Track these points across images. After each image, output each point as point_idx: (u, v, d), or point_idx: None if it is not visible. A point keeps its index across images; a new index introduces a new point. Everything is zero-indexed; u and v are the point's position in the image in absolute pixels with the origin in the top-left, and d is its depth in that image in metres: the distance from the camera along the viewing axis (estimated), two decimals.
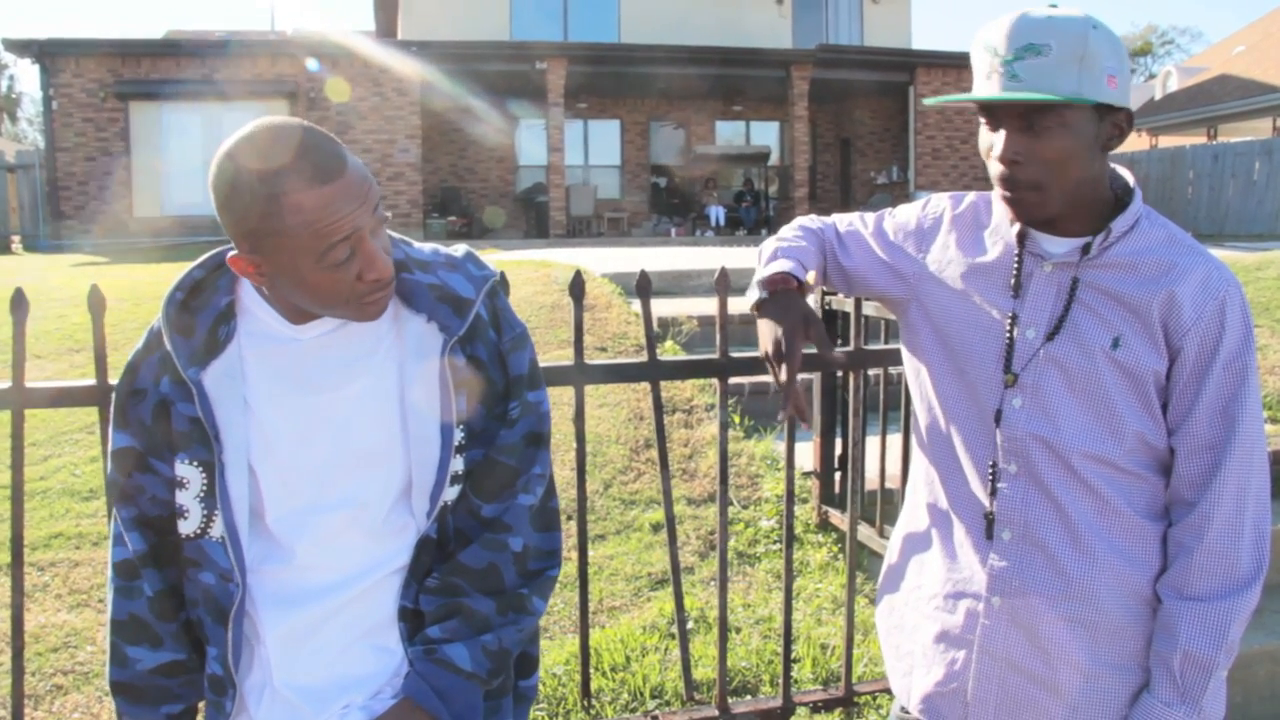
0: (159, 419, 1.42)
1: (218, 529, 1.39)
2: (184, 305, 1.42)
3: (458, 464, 1.44)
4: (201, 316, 1.41)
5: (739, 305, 2.21)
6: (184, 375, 1.37)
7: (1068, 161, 1.41)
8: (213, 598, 1.42)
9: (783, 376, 1.49)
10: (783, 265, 1.60)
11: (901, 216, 1.70)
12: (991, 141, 1.45)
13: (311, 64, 16.72)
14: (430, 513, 1.42)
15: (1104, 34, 1.38)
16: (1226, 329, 1.41)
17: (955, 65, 19.90)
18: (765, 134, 22.36)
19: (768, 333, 1.54)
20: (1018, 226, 1.52)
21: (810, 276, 1.60)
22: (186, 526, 1.41)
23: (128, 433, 1.44)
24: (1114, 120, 1.43)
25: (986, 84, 1.41)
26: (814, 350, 1.57)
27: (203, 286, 1.44)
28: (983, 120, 1.46)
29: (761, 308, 1.58)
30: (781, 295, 1.56)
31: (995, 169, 1.45)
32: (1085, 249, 1.46)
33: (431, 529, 1.43)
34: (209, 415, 1.37)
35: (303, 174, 1.25)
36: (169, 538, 1.45)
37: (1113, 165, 1.54)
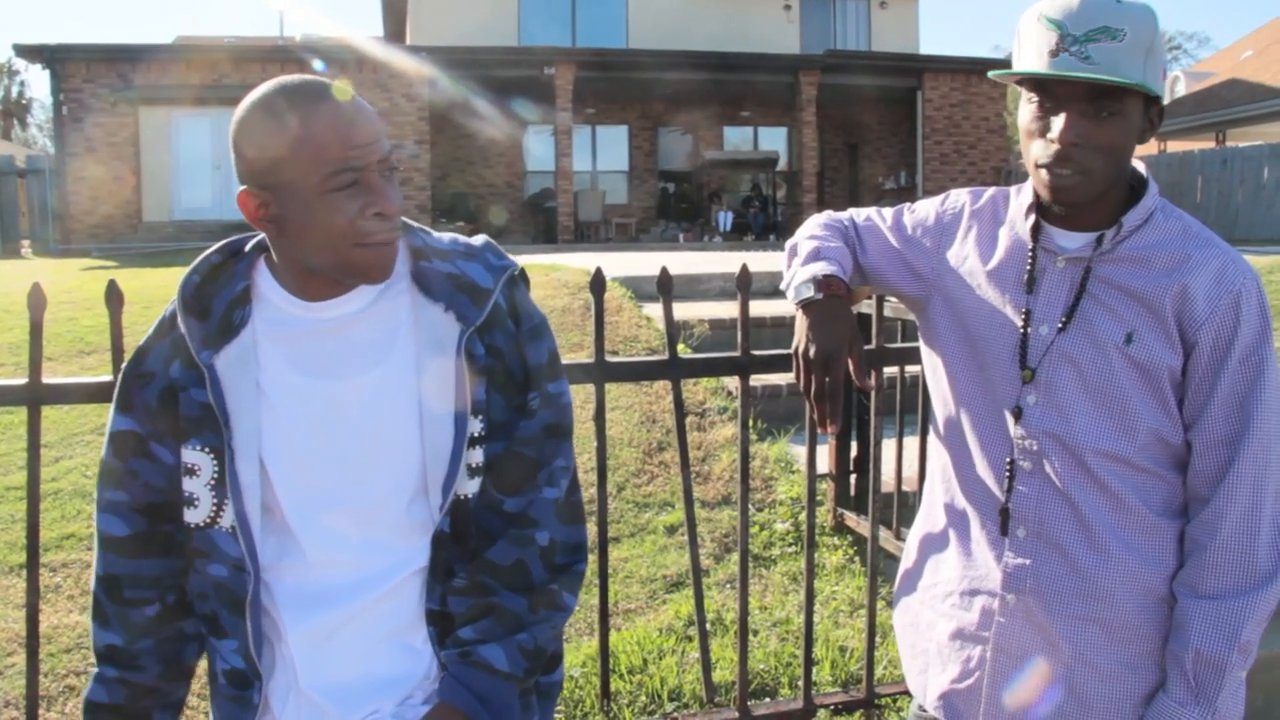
0: (165, 404, 1.39)
1: (227, 518, 1.37)
2: (199, 289, 1.41)
3: (476, 456, 1.40)
4: (217, 300, 1.40)
5: (758, 307, 2.18)
6: (197, 359, 1.35)
7: (1119, 149, 1.40)
8: (227, 589, 1.38)
9: (813, 387, 1.50)
10: (829, 268, 1.57)
11: (921, 212, 1.68)
12: (1045, 123, 1.41)
13: (317, 65, 16.72)
14: (442, 505, 1.39)
15: (1160, 30, 1.39)
16: (1242, 322, 1.39)
17: (963, 70, 19.89)
18: (773, 139, 22.34)
19: (809, 335, 1.52)
20: (1031, 220, 1.51)
21: (859, 291, 1.61)
22: (195, 515, 1.38)
23: (130, 416, 1.42)
24: (1151, 115, 1.43)
25: (1047, 60, 1.37)
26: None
27: (219, 271, 1.43)
28: (1032, 99, 1.42)
29: (809, 308, 1.55)
30: (831, 302, 1.54)
31: (1046, 150, 1.41)
32: (1099, 242, 1.45)
33: (444, 523, 1.39)
34: (220, 400, 1.35)
35: (314, 95, 1.28)
36: (160, 527, 1.42)
37: None
